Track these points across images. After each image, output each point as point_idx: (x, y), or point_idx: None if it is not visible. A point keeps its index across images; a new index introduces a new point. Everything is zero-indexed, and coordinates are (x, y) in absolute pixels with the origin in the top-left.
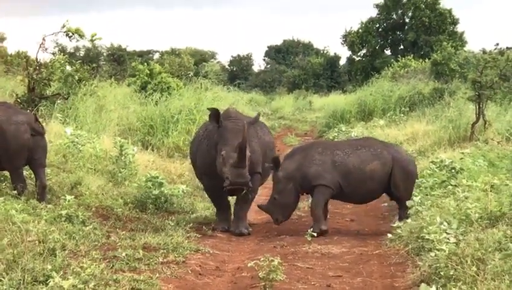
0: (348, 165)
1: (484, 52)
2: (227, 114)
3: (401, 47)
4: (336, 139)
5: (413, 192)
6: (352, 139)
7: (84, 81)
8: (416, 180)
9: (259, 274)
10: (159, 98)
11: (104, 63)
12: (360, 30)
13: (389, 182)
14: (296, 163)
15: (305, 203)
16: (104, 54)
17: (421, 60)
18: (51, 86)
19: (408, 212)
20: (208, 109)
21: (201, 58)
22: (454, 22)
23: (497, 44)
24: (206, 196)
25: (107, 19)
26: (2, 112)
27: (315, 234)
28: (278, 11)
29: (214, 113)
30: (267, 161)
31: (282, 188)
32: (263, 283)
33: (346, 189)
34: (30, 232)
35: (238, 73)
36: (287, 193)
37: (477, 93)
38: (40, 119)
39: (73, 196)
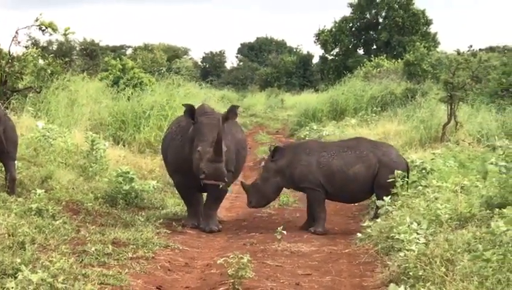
0: (332, 168)
1: (458, 53)
2: (202, 110)
3: (374, 47)
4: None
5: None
6: (343, 140)
7: (56, 75)
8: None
9: (229, 271)
10: (131, 93)
11: (76, 57)
12: (333, 29)
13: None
14: (287, 160)
15: (276, 201)
16: (77, 49)
17: (393, 60)
18: (23, 80)
19: (378, 212)
20: (183, 105)
21: (174, 54)
22: (428, 23)
23: (471, 46)
24: (177, 192)
25: (81, 14)
26: None
27: (284, 232)
28: (252, 8)
29: (189, 109)
30: (240, 159)
31: (267, 178)
32: (232, 280)
33: (330, 190)
34: None
35: (210, 70)
36: (270, 184)
37: (449, 94)
38: (12, 113)
39: (43, 190)
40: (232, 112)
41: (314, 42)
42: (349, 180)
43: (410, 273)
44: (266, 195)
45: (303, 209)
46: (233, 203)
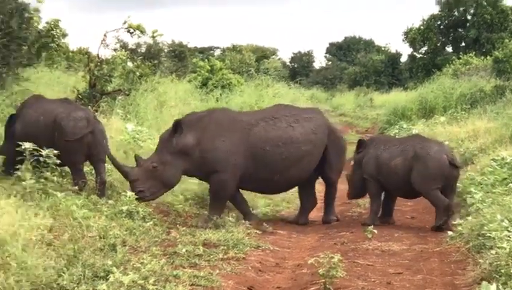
0: (379, 161)
1: None
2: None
3: (463, 44)
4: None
5: (474, 189)
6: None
7: (145, 77)
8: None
9: (319, 271)
10: (220, 94)
11: (165, 59)
12: (422, 27)
13: None
14: (363, 153)
15: (366, 200)
16: (165, 50)
17: (482, 58)
18: (112, 82)
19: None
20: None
21: (262, 54)
22: None
23: None
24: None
25: (169, 16)
26: (63, 108)
27: (375, 231)
28: (340, 8)
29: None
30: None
31: (354, 170)
32: (323, 280)
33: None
34: (91, 227)
35: (299, 70)
36: (356, 176)
37: None
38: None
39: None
40: (176, 126)
41: (403, 41)
42: (391, 172)
43: (502, 271)
44: (356, 186)
45: (395, 208)
46: (322, 203)
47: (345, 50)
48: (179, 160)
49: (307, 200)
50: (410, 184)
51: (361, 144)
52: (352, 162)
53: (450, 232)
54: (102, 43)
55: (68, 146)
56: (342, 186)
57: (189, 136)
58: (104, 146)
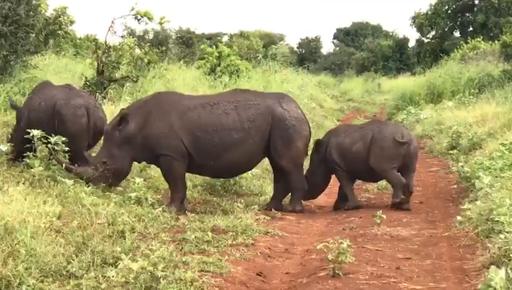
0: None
1: None
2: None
3: (470, 29)
4: (405, 122)
5: (482, 174)
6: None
7: (153, 64)
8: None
9: (328, 256)
10: (228, 80)
11: (172, 45)
12: (429, 12)
13: None
14: None
15: (374, 185)
16: (173, 37)
17: (490, 42)
18: (120, 69)
19: None
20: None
21: (269, 40)
22: None
23: None
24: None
25: (176, 2)
26: (63, 94)
27: (384, 216)
28: None
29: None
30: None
31: None
32: (332, 265)
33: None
34: (99, 214)
35: (306, 55)
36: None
37: None
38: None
39: (142, 179)
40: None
41: (410, 25)
42: (353, 157)
43: (511, 255)
44: (311, 185)
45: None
46: (331, 188)
47: (352, 35)
48: (125, 150)
49: (277, 187)
50: (371, 167)
51: (319, 145)
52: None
53: (458, 217)
54: (109, 30)
55: (68, 133)
56: None
57: (131, 124)
58: (99, 136)
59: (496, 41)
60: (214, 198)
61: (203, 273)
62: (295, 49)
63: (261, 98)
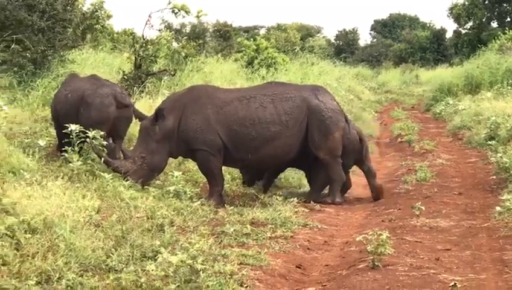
0: None
1: None
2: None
3: (508, 19)
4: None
5: None
6: None
7: (190, 58)
8: None
9: (368, 248)
10: (266, 73)
11: (210, 39)
12: (466, 3)
13: None
14: None
15: (412, 177)
16: (210, 30)
17: None
18: (157, 63)
19: None
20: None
21: (307, 33)
22: None
23: None
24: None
25: None
26: (89, 85)
27: (423, 208)
28: None
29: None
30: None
31: None
32: (371, 257)
33: None
34: (138, 208)
35: (344, 47)
36: None
37: None
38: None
39: (181, 172)
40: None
41: (447, 16)
42: None
43: None
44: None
45: (441, 183)
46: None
47: (389, 27)
48: (164, 145)
49: (313, 179)
50: None
51: None
52: None
53: (498, 208)
54: (147, 23)
55: (93, 121)
56: (389, 163)
57: (169, 119)
58: (127, 123)
59: None
60: (253, 191)
61: (243, 266)
62: (332, 41)
63: (297, 91)
